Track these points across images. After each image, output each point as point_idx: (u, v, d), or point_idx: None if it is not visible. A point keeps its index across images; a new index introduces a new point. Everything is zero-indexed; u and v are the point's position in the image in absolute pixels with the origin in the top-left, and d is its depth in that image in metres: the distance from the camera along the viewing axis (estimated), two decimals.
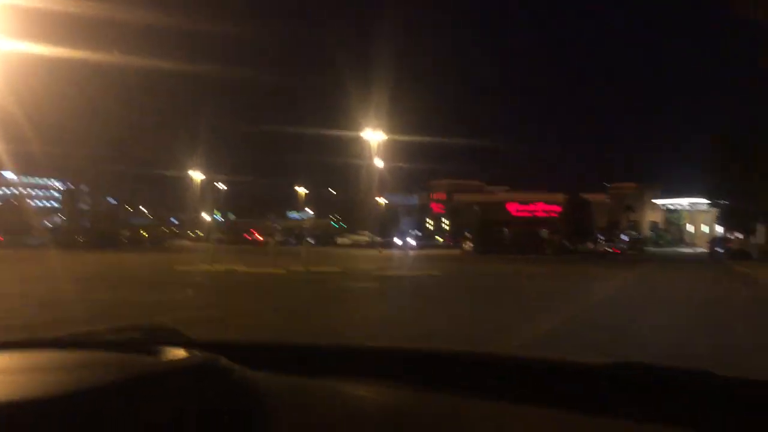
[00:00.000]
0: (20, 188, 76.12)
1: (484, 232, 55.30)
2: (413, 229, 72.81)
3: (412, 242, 61.84)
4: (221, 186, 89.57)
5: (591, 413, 1.04)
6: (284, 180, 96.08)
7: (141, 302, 12.03)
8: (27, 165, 57.91)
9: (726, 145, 36.21)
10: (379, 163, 49.20)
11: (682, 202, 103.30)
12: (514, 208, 70.35)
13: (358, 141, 44.51)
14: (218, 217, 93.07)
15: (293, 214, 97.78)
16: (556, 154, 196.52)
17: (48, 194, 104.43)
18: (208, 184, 79.83)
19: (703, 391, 1.08)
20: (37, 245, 40.46)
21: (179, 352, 1.10)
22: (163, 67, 34.51)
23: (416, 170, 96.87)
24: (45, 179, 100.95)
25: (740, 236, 53.85)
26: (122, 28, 26.69)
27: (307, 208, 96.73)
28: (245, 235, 72.73)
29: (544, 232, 56.13)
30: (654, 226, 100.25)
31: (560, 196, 70.22)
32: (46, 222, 66.84)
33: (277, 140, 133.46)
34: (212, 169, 75.89)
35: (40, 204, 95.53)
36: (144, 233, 64.10)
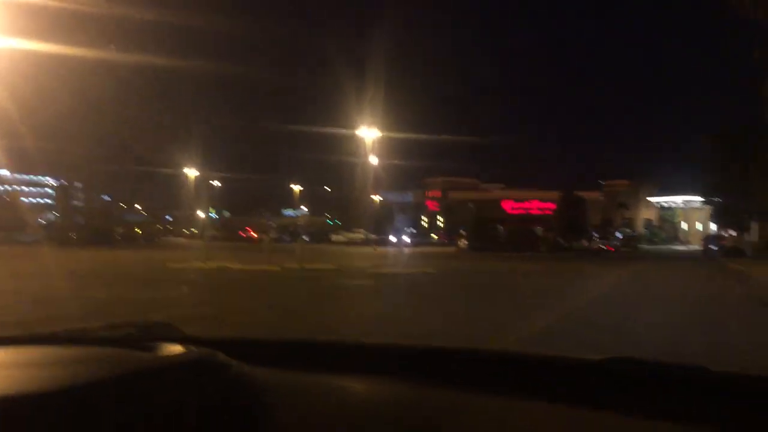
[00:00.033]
0: (13, 185, 75.72)
1: (479, 229, 55.41)
2: (408, 227, 72.74)
3: (407, 240, 61.87)
4: (216, 183, 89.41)
5: (586, 407, 1.04)
6: (279, 177, 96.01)
7: (133, 299, 11.96)
8: (21, 162, 57.59)
9: (722, 144, 36.30)
10: (374, 160, 49.17)
11: (677, 200, 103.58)
12: (509, 206, 70.56)
13: (354, 138, 44.45)
14: (213, 214, 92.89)
15: (288, 212, 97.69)
16: (552, 152, 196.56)
17: (42, 191, 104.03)
18: (202, 182, 79.64)
19: (698, 386, 1.09)
20: (29, 242, 40.26)
21: (176, 348, 1.09)
22: (158, 64, 34.31)
23: (411, 168, 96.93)
24: (39, 177, 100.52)
25: (734, 234, 54.08)
26: (115, 24, 26.55)
27: (302, 206, 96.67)
28: (240, 232, 72.62)
29: (539, 230, 56.25)
30: (648, 223, 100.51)
31: (555, 194, 70.44)
32: (40, 219, 66.55)
33: (272, 137, 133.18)
34: (207, 166, 75.68)
35: (34, 201, 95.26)
36: (138, 230, 63.88)
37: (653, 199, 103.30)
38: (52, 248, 31.79)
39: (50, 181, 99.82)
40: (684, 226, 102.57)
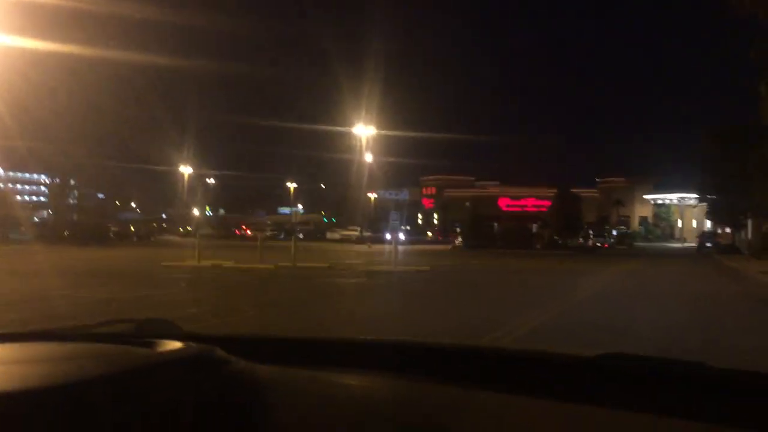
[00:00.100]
0: (6, 183, 75.45)
1: (474, 227, 55.42)
2: (403, 225, 72.72)
3: (402, 237, 61.74)
4: (211, 181, 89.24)
5: (583, 404, 1.05)
6: (275, 175, 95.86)
7: (123, 299, 11.85)
8: (15, 160, 57.36)
9: (719, 142, 36.30)
10: (369, 158, 49.04)
11: (672, 197, 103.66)
12: (504, 204, 70.57)
13: (349, 136, 44.30)
14: (209, 212, 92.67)
15: (284, 210, 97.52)
16: (548, 150, 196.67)
17: (36, 189, 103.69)
18: (198, 179, 79.44)
19: (696, 382, 1.10)
20: (23, 240, 40.09)
21: (174, 344, 1.09)
22: (153, 62, 34.14)
23: (407, 165, 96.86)
24: (33, 175, 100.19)
25: (729, 231, 54.15)
26: (110, 21, 26.35)
27: (298, 204, 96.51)
28: (235, 230, 72.54)
29: (534, 227, 56.27)
30: (643, 220, 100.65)
31: (550, 192, 70.49)
32: (34, 217, 66.30)
33: (267, 135, 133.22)
34: (202, 164, 75.50)
35: (28, 199, 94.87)
36: (132, 228, 63.69)
37: (649, 197, 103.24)
38: (44, 246, 31.61)
39: (46, 179, 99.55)
40: (679, 223, 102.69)
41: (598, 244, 55.93)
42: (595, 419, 1.02)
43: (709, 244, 51.00)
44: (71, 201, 71.41)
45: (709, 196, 49.44)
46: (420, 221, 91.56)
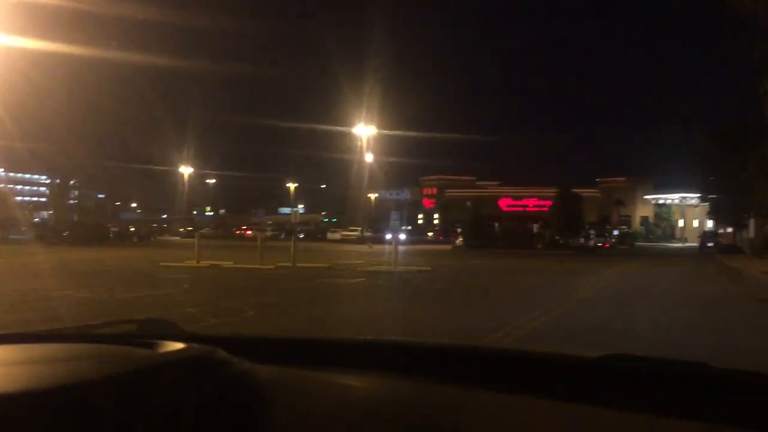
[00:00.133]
0: (6, 184, 75.46)
1: (475, 227, 55.44)
2: (404, 225, 72.66)
3: (403, 237, 61.64)
4: (212, 181, 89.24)
5: (585, 404, 1.05)
6: (275, 175, 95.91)
7: (125, 299, 11.80)
8: (15, 161, 57.45)
9: (721, 142, 36.20)
10: (370, 158, 48.97)
11: (674, 197, 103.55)
12: (505, 204, 70.61)
13: (350, 136, 44.24)
14: (209, 212, 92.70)
15: (284, 210, 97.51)
16: (549, 150, 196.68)
17: (36, 190, 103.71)
18: (198, 180, 79.47)
19: (698, 382, 1.10)
20: (22, 240, 40.05)
21: (176, 345, 1.09)
22: (153, 62, 34.17)
23: (408, 165, 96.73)
24: (34, 175, 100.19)
25: (731, 231, 54.04)
26: (109, 22, 26.31)
27: (298, 204, 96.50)
28: (236, 230, 72.50)
29: (535, 227, 56.23)
30: (644, 220, 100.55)
31: (551, 192, 70.46)
32: (34, 217, 66.31)
33: (268, 135, 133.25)
34: (203, 165, 75.55)
35: (28, 200, 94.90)
36: (132, 228, 63.63)
37: (650, 197, 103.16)
38: (44, 247, 31.57)
39: (45, 179, 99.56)
40: (680, 223, 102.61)
41: (599, 244, 55.90)
42: (596, 419, 1.03)
43: (710, 244, 50.91)
44: (71, 201, 71.42)
45: (710, 196, 49.36)
46: (421, 221, 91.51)
